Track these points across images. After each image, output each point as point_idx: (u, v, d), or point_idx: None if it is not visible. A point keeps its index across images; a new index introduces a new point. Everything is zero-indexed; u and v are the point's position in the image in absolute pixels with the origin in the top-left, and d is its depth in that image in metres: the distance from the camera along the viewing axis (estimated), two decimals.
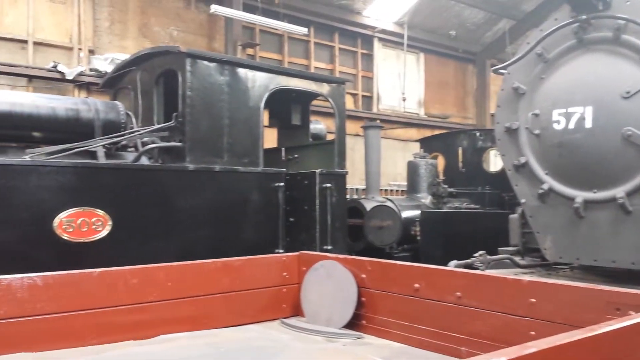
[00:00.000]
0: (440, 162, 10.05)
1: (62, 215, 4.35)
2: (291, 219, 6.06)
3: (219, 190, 5.50)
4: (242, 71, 5.80)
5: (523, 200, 4.42)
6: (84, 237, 4.45)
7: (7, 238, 4.17)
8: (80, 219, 4.43)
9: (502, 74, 4.77)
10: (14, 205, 4.22)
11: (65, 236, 4.34)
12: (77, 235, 4.41)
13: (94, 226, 4.49)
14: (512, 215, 4.70)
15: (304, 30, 12.32)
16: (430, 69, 16.87)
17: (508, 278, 2.51)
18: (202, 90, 5.46)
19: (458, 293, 2.56)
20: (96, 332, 2.69)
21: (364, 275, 3.07)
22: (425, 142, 10.63)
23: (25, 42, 9.45)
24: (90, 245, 4.48)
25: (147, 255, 4.63)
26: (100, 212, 4.56)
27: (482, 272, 3.02)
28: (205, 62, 5.51)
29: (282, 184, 5.88)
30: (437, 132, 13.07)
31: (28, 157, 4.74)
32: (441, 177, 9.44)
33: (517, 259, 4.55)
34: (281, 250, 5.67)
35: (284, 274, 3.51)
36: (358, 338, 2.88)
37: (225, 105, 5.63)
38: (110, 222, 4.59)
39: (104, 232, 4.55)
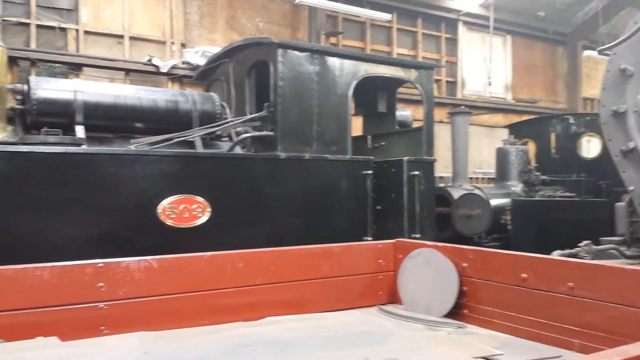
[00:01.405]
0: (531, 148, 9.66)
1: (165, 201, 4.58)
2: (378, 207, 6.05)
3: (309, 178, 5.57)
4: (330, 60, 5.83)
5: (631, 188, 4.18)
6: (186, 223, 4.65)
7: (116, 223, 4.43)
8: (182, 206, 4.64)
9: (607, 55, 4.50)
10: (122, 193, 4.47)
11: (169, 222, 4.56)
12: (180, 221, 4.62)
13: (194, 212, 4.69)
14: (618, 204, 4.46)
15: (388, 16, 12.19)
16: (518, 52, 16.22)
17: (626, 268, 2.39)
18: (293, 80, 5.54)
19: (570, 283, 2.47)
20: (207, 312, 2.82)
21: (465, 264, 3.03)
22: (514, 128, 10.26)
23: (121, 37, 9.96)
24: (192, 230, 4.68)
25: (243, 240, 4.78)
26: (200, 198, 4.75)
27: (597, 262, 2.89)
28: (296, 52, 5.58)
29: (370, 171, 5.88)
30: (525, 117, 12.57)
31: (133, 147, 5.02)
32: (532, 164, 9.08)
33: (623, 249, 4.32)
34: (370, 238, 5.68)
35: (380, 261, 3.52)
36: (460, 327, 2.85)
37: (315, 94, 5.69)
38: (209, 209, 4.78)
39: (204, 218, 4.74)
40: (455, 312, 3.00)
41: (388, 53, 13.51)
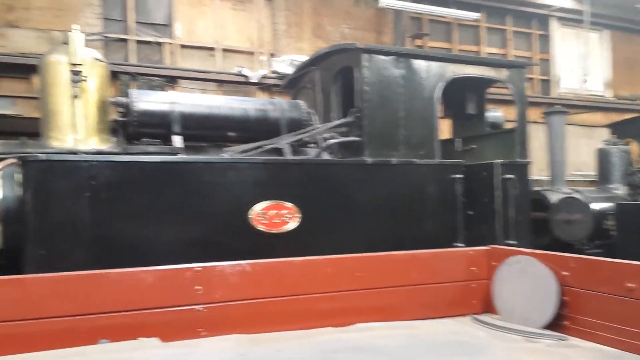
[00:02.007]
0: (635, 148, 9.02)
1: (257, 207, 4.70)
2: (469, 212, 5.87)
3: (397, 183, 5.51)
4: (416, 62, 5.75)
5: None
6: (276, 228, 4.75)
7: (210, 228, 4.59)
8: (273, 211, 4.74)
9: None
10: (216, 199, 4.64)
11: (260, 227, 4.68)
12: (270, 226, 4.72)
13: (284, 218, 4.78)
14: None
15: (476, 15, 11.85)
16: (617, 47, 15.24)
17: None
18: (378, 84, 5.52)
19: None
20: (298, 317, 2.86)
21: (566, 273, 2.87)
22: (616, 127, 9.62)
23: (213, 49, 10.38)
24: (282, 236, 4.77)
25: (331, 246, 4.80)
26: (289, 204, 4.84)
27: None
28: (381, 56, 5.55)
29: (460, 175, 5.72)
30: (627, 115, 11.76)
31: (226, 155, 5.21)
32: (637, 165, 8.46)
33: None
34: (461, 244, 5.53)
35: (472, 268, 3.42)
36: (561, 339, 2.70)
37: (401, 97, 5.63)
38: (298, 214, 4.85)
39: (294, 224, 4.82)
40: (556, 324, 2.85)
41: (476, 53, 13.15)
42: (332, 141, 5.60)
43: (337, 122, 5.73)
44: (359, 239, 5.14)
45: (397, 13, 11.45)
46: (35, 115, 6.49)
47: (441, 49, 12.53)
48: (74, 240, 4.13)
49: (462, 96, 7.06)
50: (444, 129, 7.39)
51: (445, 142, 6.87)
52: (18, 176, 4.32)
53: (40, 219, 4.11)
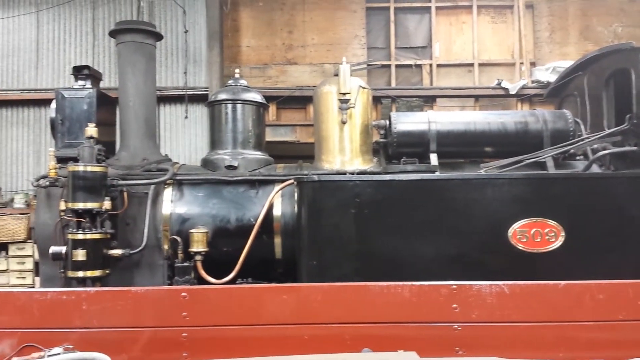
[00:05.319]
0: None
1: (516, 225, 4.50)
2: None
3: None
4: None
5: None
6: (537, 248, 4.48)
7: (467, 246, 4.55)
8: (534, 230, 4.49)
9: None
10: (473, 216, 4.58)
11: (519, 246, 4.47)
12: (531, 245, 4.48)
13: (547, 237, 4.49)
14: None
15: None
16: None
17: None
18: None
19: None
20: (562, 345, 2.66)
21: None
22: None
23: (471, 65, 10.31)
24: (544, 256, 4.47)
25: (602, 269, 4.32)
26: (553, 222, 4.52)
27: None
28: None
29: None
30: None
31: (483, 171, 5.12)
32: None
33: None
34: None
35: None
36: None
37: None
38: (562, 233, 4.50)
39: (557, 244, 4.49)
40: None
41: None
42: (604, 152, 5.07)
43: (610, 130, 5.17)
44: (632, 262, 4.51)
45: None
46: (311, 140, 7.32)
47: None
48: (340, 252, 4.53)
49: None
50: None
51: None
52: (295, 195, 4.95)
53: (312, 233, 4.62)
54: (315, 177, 4.74)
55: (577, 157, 5.58)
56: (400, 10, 10.29)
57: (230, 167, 5.39)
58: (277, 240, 5.11)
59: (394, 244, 4.52)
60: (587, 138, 5.29)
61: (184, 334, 2.94)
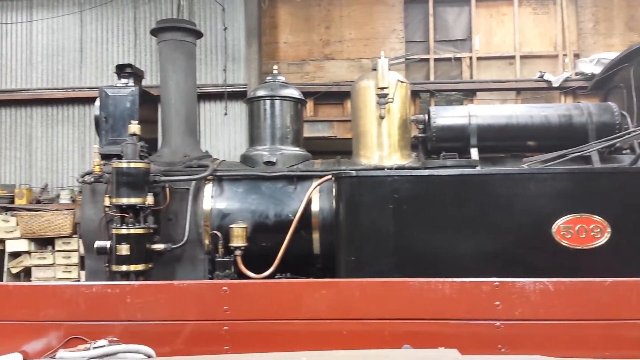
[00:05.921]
0: None
1: (560, 221, 4.39)
2: None
3: None
4: None
5: None
6: (583, 244, 4.37)
7: (509, 242, 4.47)
8: (578, 225, 4.37)
9: None
10: (515, 211, 4.49)
11: (564, 242, 4.36)
12: (576, 241, 4.37)
13: (592, 233, 4.37)
14: None
15: None
16: None
17: None
18: None
19: None
20: (609, 343, 2.59)
21: None
22: None
23: (512, 57, 10.08)
24: (589, 252, 4.36)
25: None
26: (598, 218, 4.40)
27: None
28: None
29: None
30: None
31: (525, 165, 5.02)
32: None
33: None
34: None
35: None
36: None
37: None
38: (608, 229, 4.37)
39: (603, 240, 4.36)
40: None
41: None
42: None
43: None
44: None
45: None
46: (348, 136, 7.31)
47: None
48: (379, 248, 4.51)
49: None
50: None
51: None
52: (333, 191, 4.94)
53: (350, 228, 4.61)
54: (353, 173, 4.73)
55: (624, 151, 5.41)
56: (439, 2, 10.14)
57: (269, 163, 5.43)
58: (315, 236, 5.12)
59: (433, 240, 4.48)
60: (634, 131, 5.12)
61: (225, 328, 2.97)
